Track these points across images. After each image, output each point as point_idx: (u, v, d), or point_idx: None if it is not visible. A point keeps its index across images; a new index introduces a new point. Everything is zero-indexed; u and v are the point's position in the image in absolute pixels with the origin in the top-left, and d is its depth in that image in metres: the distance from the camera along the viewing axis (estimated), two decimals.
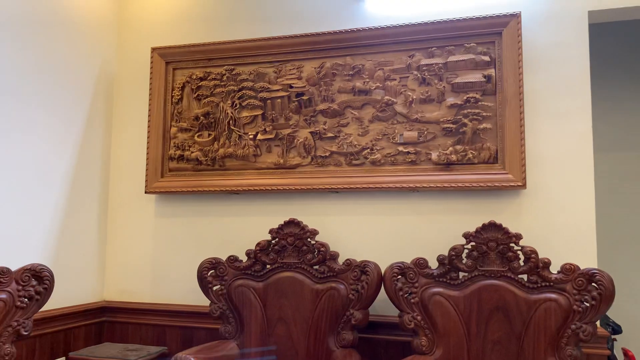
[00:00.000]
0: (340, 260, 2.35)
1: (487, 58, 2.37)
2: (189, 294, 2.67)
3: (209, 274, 2.41)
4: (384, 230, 2.49)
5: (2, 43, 2.27)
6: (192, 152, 2.73)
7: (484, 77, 2.37)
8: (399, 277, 2.18)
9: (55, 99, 2.55)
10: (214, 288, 2.40)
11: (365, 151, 2.49)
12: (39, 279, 1.98)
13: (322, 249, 2.35)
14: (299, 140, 2.59)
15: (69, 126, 2.64)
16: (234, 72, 2.71)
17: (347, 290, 2.26)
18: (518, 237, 2.14)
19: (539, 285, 2.08)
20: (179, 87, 2.80)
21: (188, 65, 2.80)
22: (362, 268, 2.25)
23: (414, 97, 2.46)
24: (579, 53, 2.32)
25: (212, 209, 2.73)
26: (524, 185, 2.27)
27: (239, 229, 2.68)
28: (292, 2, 2.72)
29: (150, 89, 2.81)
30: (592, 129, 2.28)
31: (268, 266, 2.42)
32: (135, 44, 2.94)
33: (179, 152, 2.75)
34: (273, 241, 2.43)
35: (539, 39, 2.35)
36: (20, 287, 1.93)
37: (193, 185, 2.70)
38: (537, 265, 2.09)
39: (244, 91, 2.69)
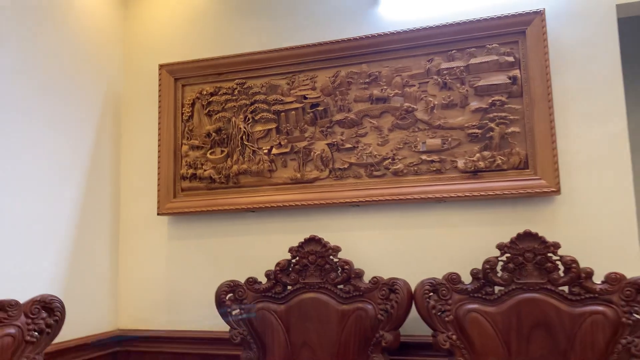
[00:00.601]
0: (365, 278, 2.22)
1: (511, 59, 2.25)
2: (207, 319, 2.54)
3: (227, 298, 2.28)
4: (408, 245, 2.36)
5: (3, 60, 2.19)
6: (205, 170, 2.62)
7: (509, 78, 2.25)
8: (431, 294, 2.04)
9: (62, 121, 2.46)
10: (234, 312, 2.27)
11: (387, 161, 2.37)
12: (49, 311, 1.86)
13: (346, 267, 2.22)
14: (315, 152, 2.47)
15: (76, 148, 2.54)
16: (245, 86, 2.61)
17: (375, 311, 2.13)
18: (556, 246, 2.00)
19: (582, 297, 1.94)
20: (189, 104, 2.70)
21: (198, 81, 2.70)
22: (391, 286, 2.11)
23: (436, 102, 2.34)
24: (609, 49, 2.19)
25: (228, 228, 2.61)
26: (558, 191, 2.13)
27: (256, 248, 2.55)
28: (302, 11, 2.62)
29: (159, 106, 2.71)
30: (628, 129, 2.15)
31: (289, 287, 2.29)
32: (142, 61, 2.86)
33: (191, 171, 2.64)
34: (293, 260, 2.30)
35: (564, 36, 2.24)
36: (29, 321, 1.81)
37: (207, 204, 2.59)
38: (578, 276, 1.95)
39: (256, 105, 2.58)
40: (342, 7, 2.57)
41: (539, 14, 2.22)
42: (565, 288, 1.97)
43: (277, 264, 2.30)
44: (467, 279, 2.07)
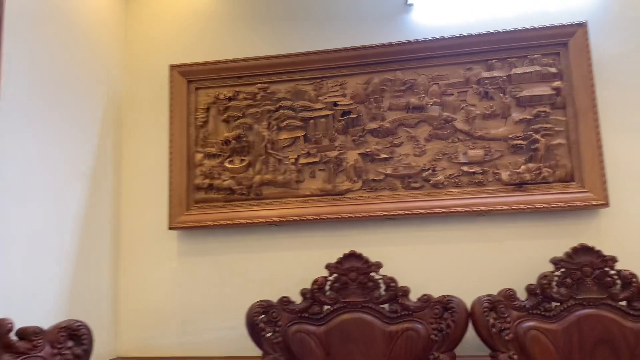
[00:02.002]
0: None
1: (553, 70, 2.22)
2: (227, 343, 2.31)
3: (260, 319, 2.07)
4: (449, 260, 2.25)
5: None
6: (223, 181, 2.41)
7: (553, 89, 2.21)
8: (490, 312, 1.93)
9: (61, 131, 2.16)
10: (267, 335, 2.06)
11: (426, 173, 2.26)
12: (76, 339, 1.59)
13: (392, 284, 2.07)
14: (348, 163, 2.33)
15: (76, 156, 2.26)
16: (268, 91, 2.43)
17: (427, 331, 1.99)
18: (614, 260, 1.95)
19: None
20: (203, 109, 2.48)
21: (214, 84, 2.49)
22: (445, 304, 1.98)
23: (477, 112, 2.26)
24: None
25: (248, 244, 2.40)
26: (607, 204, 2.09)
27: (281, 265, 2.36)
28: (330, 14, 2.50)
29: (170, 110, 2.48)
30: None
31: (327, 307, 2.11)
32: (148, 61, 2.61)
33: (207, 181, 2.42)
34: (331, 278, 2.13)
35: (606, 48, 2.23)
36: (55, 351, 1.54)
37: (226, 217, 2.37)
38: (639, 290, 1.90)
39: (282, 111, 2.41)
40: (371, 12, 2.46)
41: (582, 26, 2.20)
42: (624, 303, 1.92)
43: (315, 282, 2.12)
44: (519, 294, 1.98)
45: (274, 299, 2.12)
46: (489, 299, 1.94)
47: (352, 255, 2.12)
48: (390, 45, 2.34)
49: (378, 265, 2.11)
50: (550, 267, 2.02)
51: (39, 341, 1.49)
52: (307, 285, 2.14)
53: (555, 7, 2.30)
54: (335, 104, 2.37)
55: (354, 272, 2.11)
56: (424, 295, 2.04)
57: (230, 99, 2.47)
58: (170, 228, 2.39)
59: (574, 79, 2.19)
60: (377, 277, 2.10)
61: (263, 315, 2.08)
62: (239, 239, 2.41)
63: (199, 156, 2.45)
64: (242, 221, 2.35)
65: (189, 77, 2.50)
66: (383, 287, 2.09)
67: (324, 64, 2.40)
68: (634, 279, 1.91)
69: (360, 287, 2.10)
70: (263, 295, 2.20)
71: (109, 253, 2.43)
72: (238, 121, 2.44)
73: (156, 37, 2.63)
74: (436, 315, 1.99)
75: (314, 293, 2.11)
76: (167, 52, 2.58)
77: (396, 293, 2.06)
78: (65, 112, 2.18)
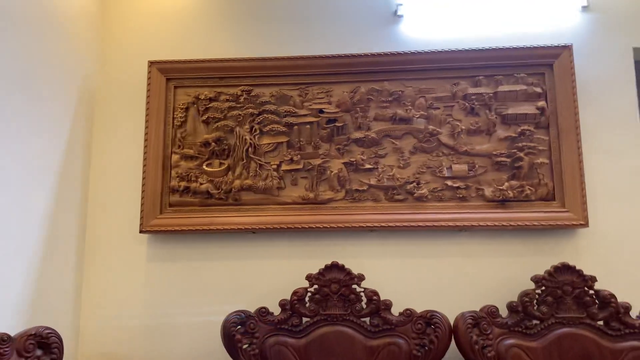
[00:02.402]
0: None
1: (539, 89, 2.25)
2: (198, 356, 2.20)
3: (237, 330, 1.98)
4: (430, 274, 2.23)
5: None
6: (200, 184, 2.31)
7: (537, 109, 2.24)
8: (473, 328, 1.91)
9: (31, 126, 2.02)
10: (244, 347, 1.98)
11: (410, 185, 2.24)
12: (45, 347, 1.47)
13: (374, 297, 2.03)
14: (332, 172, 2.28)
15: (46, 153, 2.11)
16: (252, 94, 2.36)
17: (409, 346, 1.95)
18: (593, 279, 1.98)
19: (621, 332, 1.92)
20: (182, 108, 2.38)
21: (194, 84, 2.40)
22: (429, 319, 1.95)
23: (463, 127, 2.26)
24: (626, 89, 2.27)
25: (224, 251, 2.31)
26: (586, 224, 2.13)
27: (258, 275, 2.28)
28: (318, 20, 2.45)
29: (147, 108, 2.36)
30: None
31: (307, 319, 2.05)
32: (126, 57, 2.49)
33: (183, 184, 2.32)
34: (312, 289, 2.07)
35: (587, 72, 2.28)
36: None
37: (201, 222, 2.27)
38: (617, 311, 1.93)
39: (265, 115, 2.34)
40: (360, 21, 2.44)
41: (568, 49, 2.25)
42: (602, 322, 1.95)
43: (294, 293, 2.05)
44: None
45: (250, 309, 2.04)
46: (472, 315, 1.93)
47: (334, 267, 2.07)
48: (379, 55, 2.32)
49: (360, 278, 2.06)
50: (529, 285, 2.03)
51: (5, 349, 1.37)
52: (285, 296, 2.07)
53: (542, 29, 2.34)
54: (321, 111, 2.33)
55: (335, 283, 2.05)
56: (407, 309, 2.00)
57: (211, 99, 2.38)
58: (142, 231, 2.27)
59: (558, 99, 2.22)
60: (359, 289, 2.06)
61: (240, 326, 2.00)
62: (215, 246, 2.31)
63: (175, 157, 2.35)
64: (219, 227, 2.26)
65: (168, 74, 2.39)
66: (364, 300, 2.04)
67: (310, 69, 2.35)
68: (612, 300, 1.94)
69: (342, 300, 2.05)
70: (238, 306, 2.12)
71: (74, 255, 2.28)
72: (219, 123, 2.35)
73: (136, 32, 2.51)
74: (419, 331, 1.96)
75: (294, 304, 2.04)
76: (147, 48, 2.47)
77: (378, 307, 2.02)
78: (36, 105, 2.03)
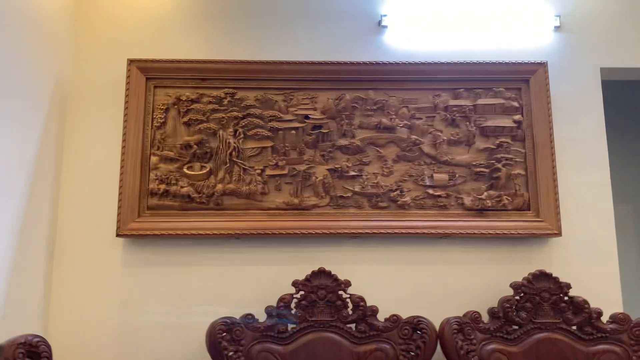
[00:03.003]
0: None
1: (515, 104, 2.35)
2: None
3: (223, 337, 1.94)
4: (410, 280, 2.27)
5: None
6: (181, 187, 2.25)
7: (514, 122, 2.33)
8: (458, 333, 1.96)
9: (2, 123, 1.91)
10: (230, 354, 1.94)
11: (394, 193, 2.28)
12: (35, 356, 1.38)
13: (361, 303, 2.04)
14: (317, 178, 2.28)
15: (18, 151, 2.00)
16: (236, 97, 2.33)
17: (395, 352, 1.98)
18: (568, 286, 2.08)
19: (594, 336, 2.03)
20: (162, 109, 2.32)
21: (175, 84, 2.34)
22: (415, 325, 1.99)
23: (444, 137, 2.32)
24: (594, 107, 2.40)
25: (205, 257, 2.25)
26: (559, 234, 2.23)
27: (239, 281, 2.24)
28: (303, 26, 2.45)
29: (125, 108, 2.28)
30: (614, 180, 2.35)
31: (293, 326, 2.03)
32: (104, 54, 2.39)
33: (163, 187, 2.25)
34: (298, 295, 2.06)
35: (560, 89, 2.40)
36: None
37: (182, 227, 2.21)
38: (590, 316, 2.04)
39: (249, 119, 2.31)
40: (345, 29, 2.46)
41: (543, 66, 2.36)
42: (576, 327, 2.05)
43: (281, 299, 2.03)
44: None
45: (229, 315, 2.00)
46: (457, 321, 1.98)
47: (322, 273, 2.07)
48: (365, 64, 2.35)
49: (347, 284, 2.07)
50: (506, 291, 2.11)
51: None
52: (268, 303, 2.04)
53: (518, 47, 2.44)
54: (306, 116, 2.33)
55: (322, 290, 2.05)
56: (393, 315, 2.03)
57: (192, 101, 2.33)
58: (119, 235, 2.18)
59: (534, 114, 2.33)
60: (345, 295, 2.06)
61: (226, 334, 1.95)
62: (195, 252, 2.25)
63: (154, 159, 2.28)
64: (200, 232, 2.21)
65: (148, 73, 2.32)
66: (350, 306, 2.05)
67: (295, 75, 2.35)
68: (586, 306, 2.04)
69: (329, 306, 2.05)
70: (219, 314, 2.06)
71: (44, 260, 2.16)
72: (201, 125, 2.31)
73: (114, 30, 2.42)
74: (405, 336, 1.99)
75: (280, 311, 2.02)
76: (126, 46, 2.39)
77: (365, 313, 2.03)
78: (4, 103, 1.91)
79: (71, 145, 2.31)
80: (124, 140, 2.25)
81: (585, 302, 2.05)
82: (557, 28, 2.45)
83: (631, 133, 3.60)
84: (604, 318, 2.06)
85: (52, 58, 2.23)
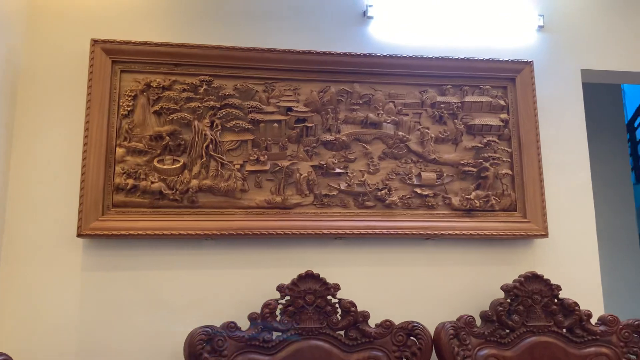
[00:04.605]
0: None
1: (502, 102, 2.30)
2: None
3: (204, 349, 1.75)
4: (397, 283, 2.16)
5: None
6: (152, 183, 2.04)
7: (501, 121, 2.29)
8: (453, 339, 1.88)
9: None
10: None
11: (381, 192, 2.17)
12: None
13: (352, 309, 1.91)
14: (301, 175, 2.13)
15: None
16: (213, 85, 2.14)
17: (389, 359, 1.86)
18: (558, 288, 2.05)
19: (585, 339, 2.00)
20: (129, 96, 2.09)
21: (145, 69, 2.12)
22: (410, 330, 1.88)
23: (432, 135, 2.24)
24: (575, 108, 2.40)
25: (177, 259, 2.05)
26: (546, 235, 2.20)
27: (216, 286, 2.05)
28: (284, 13, 2.30)
29: (88, 93, 2.04)
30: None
31: (279, 334, 1.87)
32: (63, 33, 2.14)
33: (131, 182, 2.02)
34: (283, 301, 1.90)
35: (544, 89, 2.38)
36: None
37: (152, 226, 2.00)
38: (581, 319, 2.01)
39: (228, 109, 2.13)
40: (329, 18, 2.33)
41: (529, 64, 2.33)
42: (566, 329, 2.01)
43: (266, 305, 1.87)
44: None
45: (206, 324, 1.82)
46: (453, 326, 1.90)
47: (309, 276, 1.92)
48: (350, 55, 2.23)
49: (336, 288, 1.94)
50: (494, 292, 2.06)
51: None
52: (248, 310, 1.88)
53: (504, 45, 2.40)
54: (289, 109, 2.17)
55: (311, 294, 1.90)
56: (386, 321, 1.92)
57: (164, 88, 2.12)
58: (80, 235, 1.94)
59: (520, 113, 2.29)
60: (334, 300, 1.93)
61: (206, 344, 1.77)
62: (167, 253, 2.05)
63: (121, 151, 2.05)
64: (173, 232, 2.00)
65: (115, 56, 2.09)
66: (341, 311, 1.92)
67: (277, 64, 2.19)
68: (576, 308, 2.01)
69: (317, 312, 1.90)
70: (193, 322, 1.89)
71: None
72: (174, 115, 2.10)
73: (78, 4, 2.16)
74: (399, 343, 1.88)
75: (266, 318, 1.85)
76: (90, 24, 2.15)
77: (356, 318, 1.90)
78: None
79: (23, 132, 2.05)
80: (86, 130, 2.01)
81: (576, 304, 2.02)
82: (540, 28, 2.43)
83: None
84: (593, 320, 2.04)
85: (2, 33, 1.96)
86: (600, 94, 3.65)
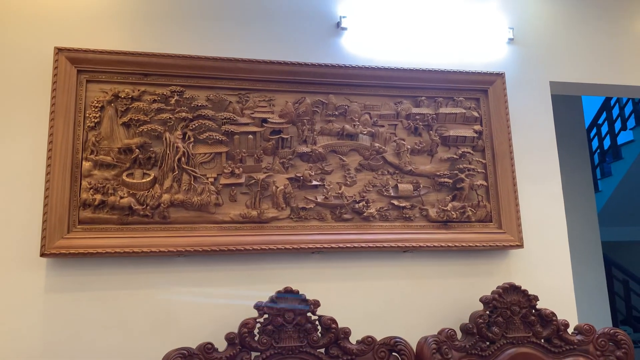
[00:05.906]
0: None
1: (475, 114, 2.32)
2: None
3: None
4: (375, 296, 2.13)
5: None
6: (121, 198, 1.94)
7: (475, 132, 2.30)
8: (436, 353, 1.85)
9: None
10: None
11: (359, 204, 2.13)
12: None
13: (332, 325, 1.86)
14: (277, 187, 2.08)
15: None
16: (185, 96, 2.07)
17: None
18: (536, 299, 2.05)
19: (562, 348, 2.01)
20: (95, 107, 2.00)
21: (112, 79, 2.03)
22: (393, 346, 1.85)
23: (408, 146, 2.23)
24: (545, 120, 2.44)
25: (147, 277, 1.96)
26: (521, 245, 2.22)
27: (189, 305, 1.96)
28: (256, 23, 2.25)
29: (52, 104, 1.93)
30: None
31: (257, 354, 1.80)
32: (25, 41, 2.02)
33: (99, 197, 1.93)
34: (261, 319, 1.83)
35: (516, 101, 2.41)
36: None
37: (121, 244, 1.90)
38: (559, 329, 2.02)
39: (200, 121, 2.06)
40: (303, 29, 2.30)
41: (501, 76, 2.35)
42: (544, 340, 2.02)
43: (244, 324, 1.80)
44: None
45: (180, 345, 1.74)
46: (435, 340, 1.87)
47: (289, 293, 1.86)
48: (325, 66, 2.21)
49: (316, 304, 1.88)
50: (472, 304, 2.06)
51: None
52: (224, 329, 1.82)
53: (476, 58, 2.42)
54: (264, 120, 2.12)
55: (290, 312, 1.84)
56: (368, 337, 1.87)
57: (133, 99, 2.03)
58: (44, 255, 1.82)
59: (493, 124, 2.31)
60: (313, 317, 1.88)
61: None
62: (136, 272, 1.95)
63: (87, 165, 1.95)
64: (144, 249, 1.91)
65: (80, 65, 2.00)
66: (322, 329, 1.87)
67: (251, 74, 2.14)
68: (553, 318, 2.02)
69: (297, 330, 1.84)
70: (166, 343, 1.83)
71: None
72: (143, 127, 2.02)
73: (41, 11, 2.06)
74: (381, 359, 1.84)
75: (244, 338, 1.78)
76: (54, 32, 2.04)
77: (337, 335, 1.86)
78: None
79: None
80: (50, 142, 1.91)
81: (553, 314, 2.03)
82: (510, 40, 2.46)
83: None
84: (569, 330, 2.06)
85: None
86: (562, 105, 3.74)
